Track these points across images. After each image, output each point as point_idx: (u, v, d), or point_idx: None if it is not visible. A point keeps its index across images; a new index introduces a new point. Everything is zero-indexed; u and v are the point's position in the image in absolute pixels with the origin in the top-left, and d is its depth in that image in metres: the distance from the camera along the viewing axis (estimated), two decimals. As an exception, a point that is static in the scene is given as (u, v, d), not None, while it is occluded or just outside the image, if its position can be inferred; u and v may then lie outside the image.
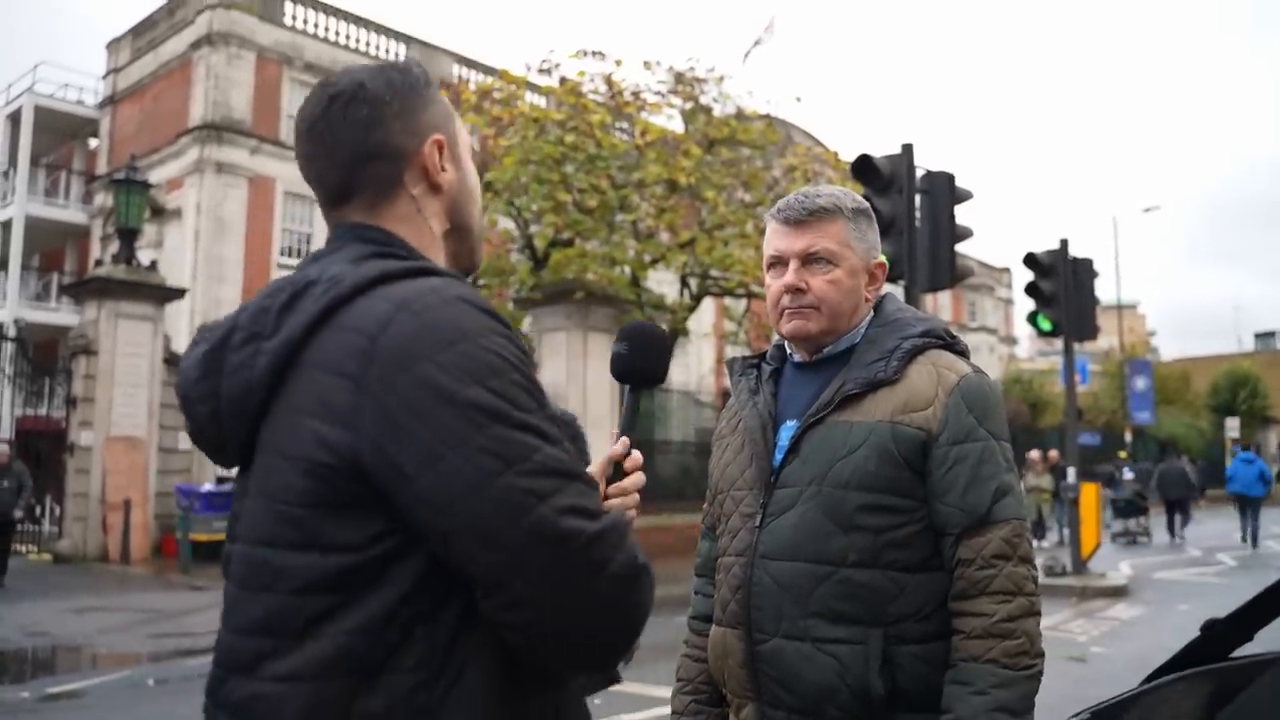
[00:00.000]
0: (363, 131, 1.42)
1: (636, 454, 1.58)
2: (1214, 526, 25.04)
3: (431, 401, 1.19)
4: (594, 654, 1.27)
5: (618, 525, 1.24)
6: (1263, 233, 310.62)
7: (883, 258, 2.24)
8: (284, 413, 1.28)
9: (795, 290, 2.12)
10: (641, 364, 1.70)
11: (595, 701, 1.53)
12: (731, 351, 26.44)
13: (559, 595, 1.19)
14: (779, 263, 2.17)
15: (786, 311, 2.14)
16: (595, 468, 1.54)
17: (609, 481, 1.54)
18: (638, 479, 1.56)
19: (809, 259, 2.13)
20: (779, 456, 2.10)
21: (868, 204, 2.24)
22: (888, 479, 1.97)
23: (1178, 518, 24.14)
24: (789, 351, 2.26)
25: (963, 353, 2.14)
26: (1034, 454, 23.11)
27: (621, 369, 1.70)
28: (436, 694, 1.20)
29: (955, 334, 2.18)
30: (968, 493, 1.95)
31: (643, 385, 1.70)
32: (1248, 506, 22.02)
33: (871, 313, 2.21)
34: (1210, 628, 1.84)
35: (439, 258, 1.45)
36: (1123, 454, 34.20)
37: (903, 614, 1.95)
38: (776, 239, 2.18)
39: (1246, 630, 1.84)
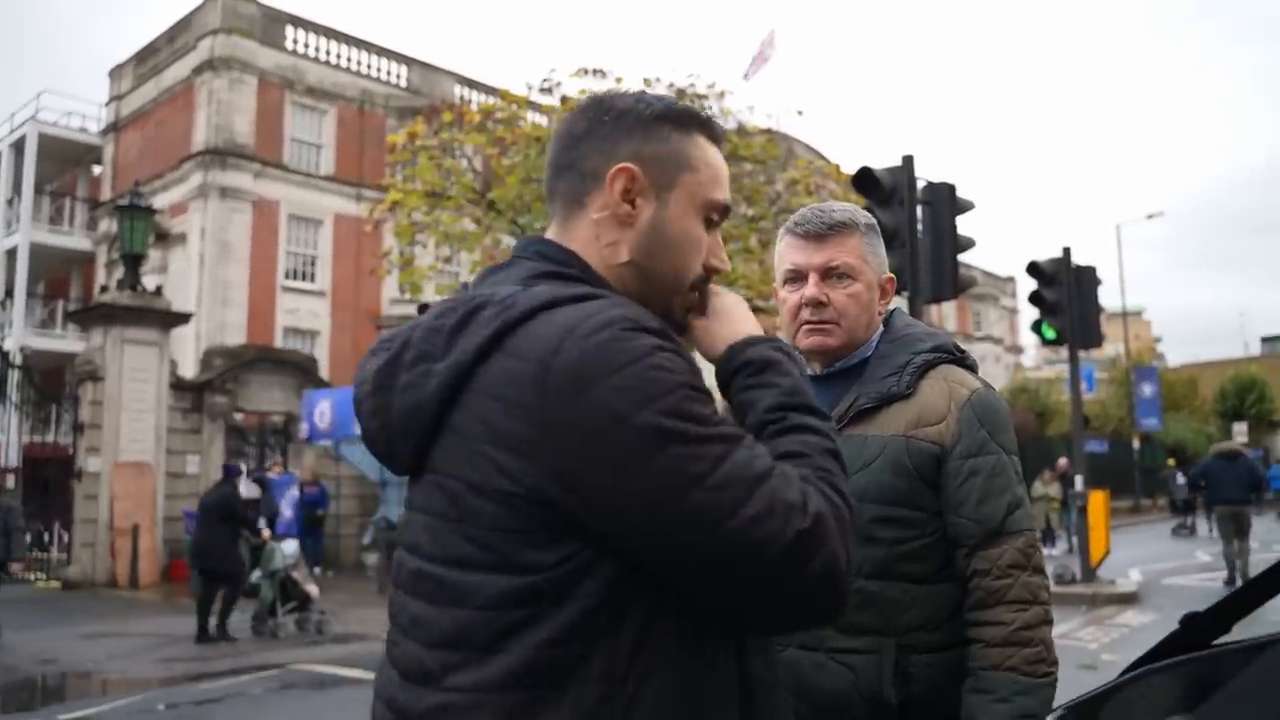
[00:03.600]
0: (569, 143, 1.48)
1: None
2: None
3: (608, 427, 1.19)
4: (808, 624, 1.36)
5: (818, 523, 1.24)
6: (1265, 238, 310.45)
7: (890, 273, 2.27)
8: (456, 437, 1.29)
9: (816, 304, 2.14)
10: None
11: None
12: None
13: (762, 597, 1.23)
14: (797, 277, 2.18)
15: (806, 326, 2.16)
16: None
17: None
18: None
19: (828, 273, 2.15)
20: None
21: (875, 220, 2.27)
22: (902, 492, 2.00)
23: None
24: None
25: (971, 367, 2.18)
26: (1062, 462, 23.24)
27: None
28: (619, 705, 1.23)
29: (963, 348, 2.21)
30: (981, 505, 1.99)
31: None
32: None
33: (881, 327, 2.23)
34: (1190, 620, 1.87)
35: (619, 288, 1.42)
36: (1171, 462, 35.15)
37: (915, 624, 1.98)
38: (794, 253, 2.19)
39: (1225, 622, 1.86)
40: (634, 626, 1.25)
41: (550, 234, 1.48)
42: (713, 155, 1.51)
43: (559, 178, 1.48)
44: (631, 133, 1.45)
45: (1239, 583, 15.41)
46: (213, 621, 12.32)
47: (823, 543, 1.24)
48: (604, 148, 1.44)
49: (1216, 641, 1.88)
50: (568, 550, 1.23)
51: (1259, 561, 18.76)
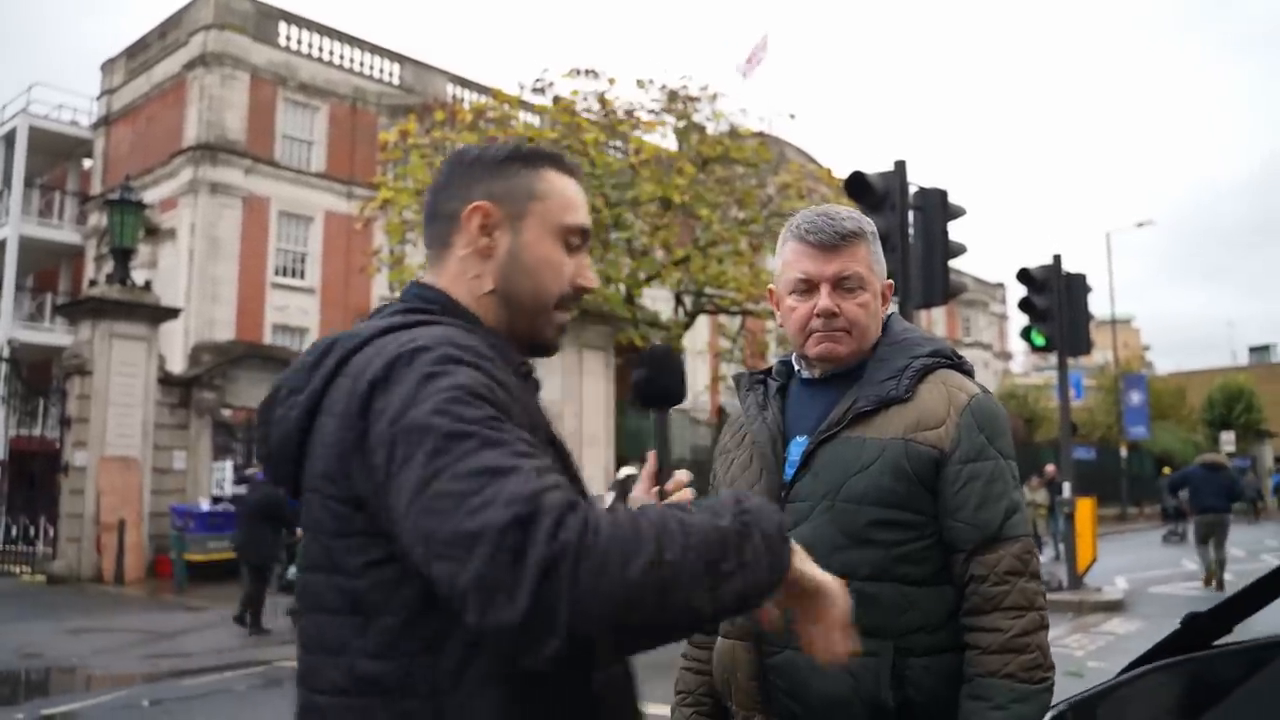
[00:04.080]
0: (434, 192, 1.65)
1: (681, 473, 1.72)
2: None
3: (391, 427, 1.29)
4: (552, 646, 1.15)
5: (546, 508, 1.16)
6: (1254, 247, 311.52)
7: (890, 279, 2.27)
8: (313, 454, 1.43)
9: (829, 315, 2.12)
10: (663, 385, 1.73)
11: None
12: (726, 369, 26.50)
13: (486, 588, 1.14)
14: (808, 287, 2.16)
15: (816, 334, 2.14)
16: (645, 483, 1.69)
17: (661, 486, 1.68)
18: (680, 488, 1.68)
19: (839, 283, 2.13)
20: (790, 471, 2.12)
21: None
22: (901, 495, 2.00)
23: None
24: (796, 368, 2.27)
25: (969, 372, 2.18)
26: (1050, 468, 23.38)
27: (645, 393, 1.75)
28: None
29: (961, 354, 2.20)
30: (980, 510, 1.98)
31: (666, 404, 1.75)
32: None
33: (880, 331, 2.22)
34: (1191, 620, 1.88)
35: (487, 318, 1.56)
36: (1166, 470, 35.91)
37: (913, 627, 1.98)
38: (805, 262, 2.16)
39: (1226, 623, 1.87)
40: (459, 646, 1.30)
41: (425, 276, 1.64)
42: (562, 185, 1.63)
43: (429, 226, 1.64)
44: (482, 175, 1.60)
45: (1215, 587, 16.38)
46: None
47: (538, 526, 1.14)
48: (460, 192, 1.59)
49: (1217, 642, 1.89)
50: (379, 555, 1.33)
51: (1245, 571, 18.84)
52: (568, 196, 1.62)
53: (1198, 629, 1.88)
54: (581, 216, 1.64)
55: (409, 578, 1.29)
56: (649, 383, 1.74)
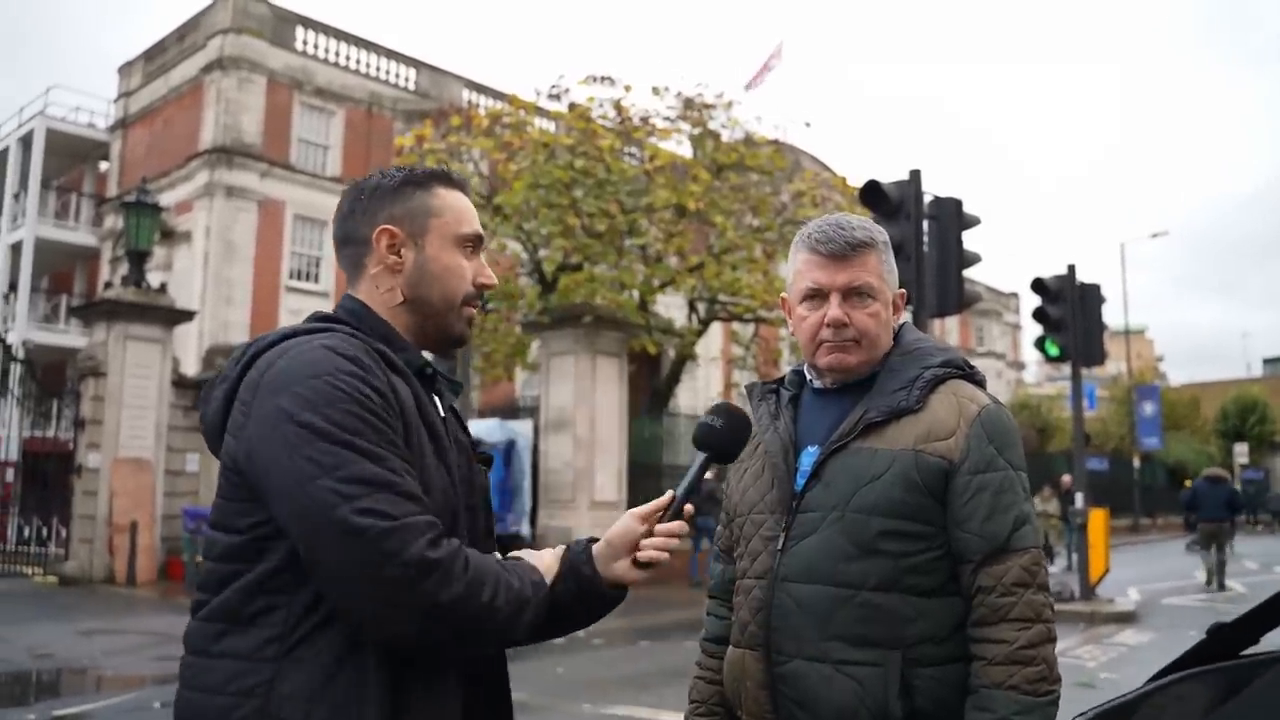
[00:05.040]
0: (341, 221, 1.89)
1: (678, 524, 1.88)
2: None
3: (281, 420, 1.57)
4: (397, 628, 1.57)
5: (411, 526, 1.53)
6: (1267, 259, 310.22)
7: (902, 288, 2.27)
8: (227, 432, 1.69)
9: (839, 325, 2.12)
10: (729, 442, 2.01)
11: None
12: (740, 376, 26.48)
13: (354, 577, 1.53)
14: (818, 296, 2.15)
15: (826, 344, 2.14)
16: (645, 509, 1.89)
17: (659, 521, 1.88)
18: (675, 527, 1.87)
19: (850, 293, 2.13)
20: (801, 481, 2.11)
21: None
22: (911, 506, 1.99)
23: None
24: (809, 378, 2.27)
25: (981, 383, 2.17)
26: (1066, 479, 23.31)
27: (707, 440, 2.00)
28: (284, 648, 1.59)
29: (973, 364, 2.20)
30: (988, 521, 1.98)
31: (720, 460, 1.96)
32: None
33: (891, 341, 2.22)
34: (1218, 630, 1.87)
35: (399, 324, 1.83)
36: (1187, 483, 35.79)
37: (921, 637, 1.97)
38: (815, 271, 2.16)
39: (1254, 632, 1.86)
40: (309, 594, 1.60)
41: (349, 291, 1.87)
42: (454, 199, 1.88)
43: (341, 251, 1.88)
44: (383, 201, 1.84)
45: (1215, 587, 17.23)
46: None
47: (413, 542, 1.52)
48: (366, 219, 1.84)
49: (1245, 652, 1.87)
50: (258, 518, 1.62)
51: (1259, 583, 18.78)
52: (459, 210, 1.88)
53: (1223, 639, 1.86)
54: (474, 225, 1.89)
55: (279, 539, 1.60)
56: (715, 431, 1.98)
